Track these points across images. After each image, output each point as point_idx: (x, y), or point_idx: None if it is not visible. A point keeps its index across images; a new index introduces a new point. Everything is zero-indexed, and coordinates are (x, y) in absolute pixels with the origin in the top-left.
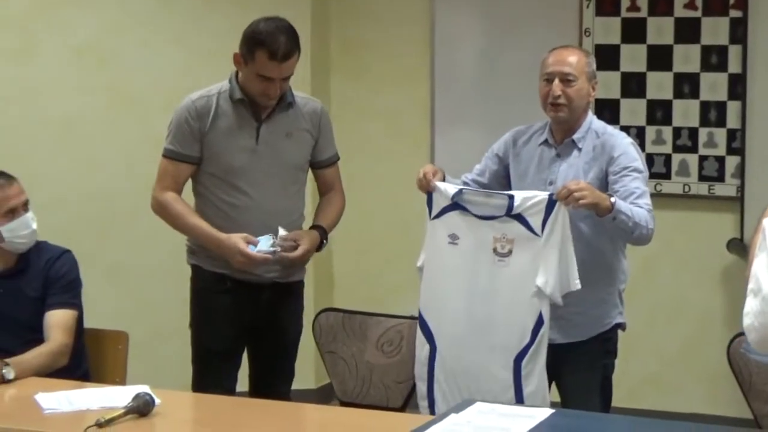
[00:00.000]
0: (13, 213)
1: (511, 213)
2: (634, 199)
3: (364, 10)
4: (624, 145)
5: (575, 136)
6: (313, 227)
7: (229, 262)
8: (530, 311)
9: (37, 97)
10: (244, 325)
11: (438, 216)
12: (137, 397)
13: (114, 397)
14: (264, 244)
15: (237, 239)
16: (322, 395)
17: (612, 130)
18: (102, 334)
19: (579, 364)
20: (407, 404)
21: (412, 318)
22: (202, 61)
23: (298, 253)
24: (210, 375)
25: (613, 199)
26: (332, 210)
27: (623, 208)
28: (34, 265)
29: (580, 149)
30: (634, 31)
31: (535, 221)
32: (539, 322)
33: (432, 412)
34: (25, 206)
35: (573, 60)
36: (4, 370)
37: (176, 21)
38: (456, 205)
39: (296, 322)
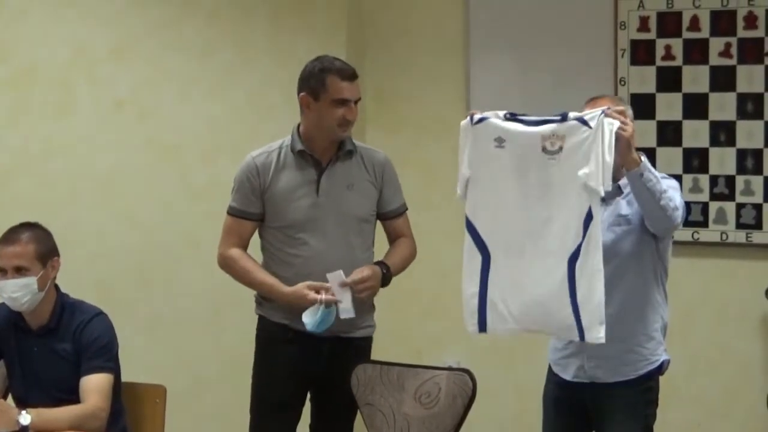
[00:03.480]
0: (4, 273)
1: (566, 120)
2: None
3: (400, 62)
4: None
5: (621, 182)
6: (376, 263)
7: (292, 313)
8: (580, 206)
9: (77, 151)
10: (304, 378)
11: (480, 121)
12: None
13: None
14: (311, 318)
15: (301, 288)
16: None
17: None
18: (140, 389)
19: (621, 412)
20: None
21: (449, 369)
22: (238, 114)
23: (358, 283)
24: (265, 425)
25: (643, 157)
26: (399, 251)
27: (651, 169)
28: (67, 326)
29: (614, 197)
30: (669, 80)
31: (589, 117)
32: (588, 218)
33: (482, 329)
34: (17, 270)
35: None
36: (20, 416)
37: (212, 75)
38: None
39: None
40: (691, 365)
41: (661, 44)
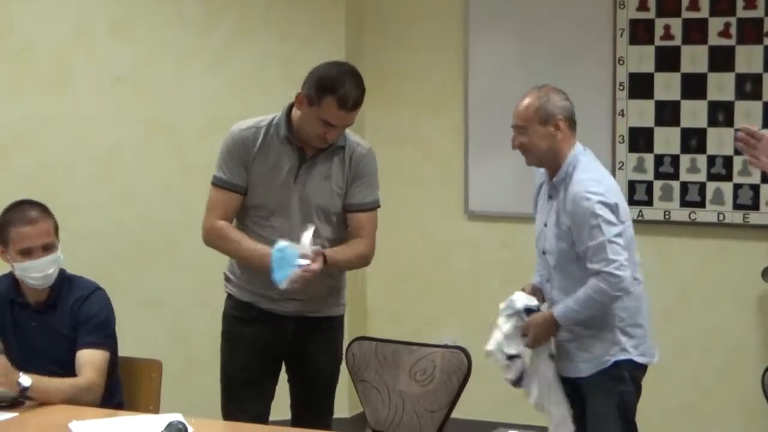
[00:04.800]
0: (29, 253)
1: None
2: (588, 261)
3: (398, 38)
4: (578, 195)
5: (555, 180)
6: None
7: (256, 292)
8: None
9: (75, 128)
10: (270, 356)
11: None
12: (170, 425)
13: (147, 425)
14: (283, 245)
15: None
16: (356, 424)
17: (578, 176)
18: (136, 363)
19: (593, 390)
20: None
21: (444, 347)
22: (238, 90)
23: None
24: (234, 401)
25: (555, 315)
26: (348, 249)
27: (567, 314)
28: (65, 301)
29: (558, 193)
30: (668, 60)
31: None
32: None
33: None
34: (45, 249)
35: (520, 109)
36: (21, 378)
37: (211, 50)
38: None
39: (327, 357)
40: (686, 346)
41: (660, 23)
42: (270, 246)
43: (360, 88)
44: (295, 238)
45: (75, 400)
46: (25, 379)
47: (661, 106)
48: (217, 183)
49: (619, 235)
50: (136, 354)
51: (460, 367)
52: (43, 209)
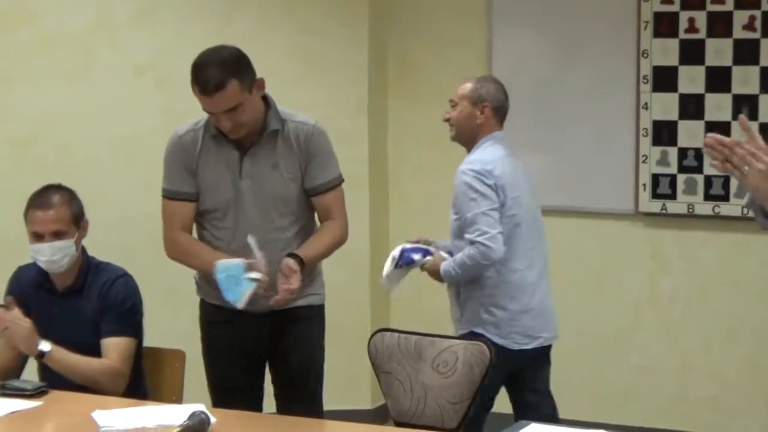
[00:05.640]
0: (40, 237)
1: None
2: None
3: (422, 32)
4: (459, 170)
5: None
6: (288, 255)
7: None
8: None
9: (97, 116)
10: (251, 357)
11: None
12: (193, 415)
13: (170, 415)
14: (225, 264)
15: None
16: (378, 416)
17: (469, 157)
18: (159, 353)
19: None
20: (462, 425)
21: (467, 339)
22: None
23: (280, 297)
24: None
25: (441, 268)
26: (321, 239)
27: (449, 271)
28: (92, 287)
29: None
30: (692, 53)
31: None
32: None
33: None
34: (56, 235)
35: (459, 88)
36: (41, 343)
37: (232, 42)
38: None
39: (303, 349)
40: (708, 339)
41: (684, 16)
42: (224, 250)
43: (221, 68)
44: (255, 236)
45: (95, 382)
46: (45, 345)
47: (685, 99)
48: (166, 194)
49: (494, 209)
50: (158, 344)
51: (483, 359)
52: (66, 197)
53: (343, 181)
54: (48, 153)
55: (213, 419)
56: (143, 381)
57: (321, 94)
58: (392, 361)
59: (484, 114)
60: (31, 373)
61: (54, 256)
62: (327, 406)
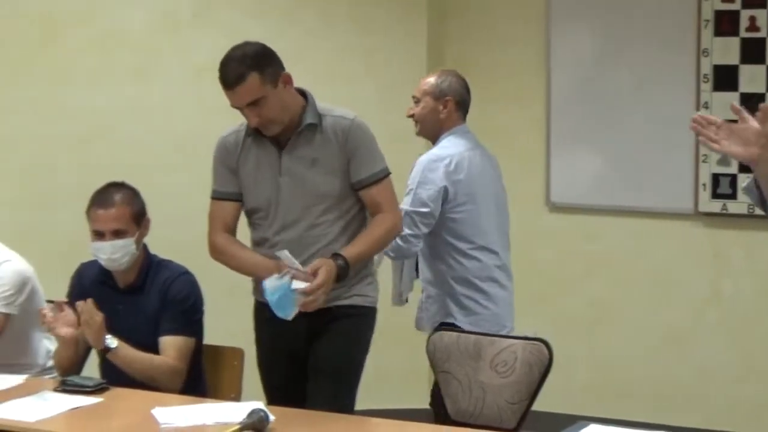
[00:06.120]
0: (101, 235)
1: None
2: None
3: (480, 30)
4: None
5: None
6: (332, 255)
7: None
8: None
9: (158, 115)
10: (293, 357)
11: None
12: (252, 413)
13: (229, 413)
14: (272, 286)
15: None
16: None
17: (430, 150)
18: (219, 351)
19: None
20: (521, 425)
21: (525, 338)
22: (320, 80)
23: (309, 292)
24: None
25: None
26: (367, 234)
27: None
28: (153, 284)
29: None
30: (753, 51)
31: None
32: None
33: None
34: (116, 233)
35: (421, 83)
36: (107, 338)
37: (295, 40)
38: None
39: (334, 342)
40: None
41: (745, 15)
42: (270, 246)
43: (241, 62)
44: (297, 236)
45: (154, 379)
46: (112, 341)
47: (745, 98)
48: (213, 195)
49: (421, 211)
50: (218, 341)
51: (541, 359)
52: (127, 195)
53: (389, 173)
54: (109, 151)
55: (272, 417)
56: (203, 379)
57: (378, 93)
58: (451, 361)
59: (447, 108)
60: (91, 370)
61: (114, 254)
62: (384, 404)
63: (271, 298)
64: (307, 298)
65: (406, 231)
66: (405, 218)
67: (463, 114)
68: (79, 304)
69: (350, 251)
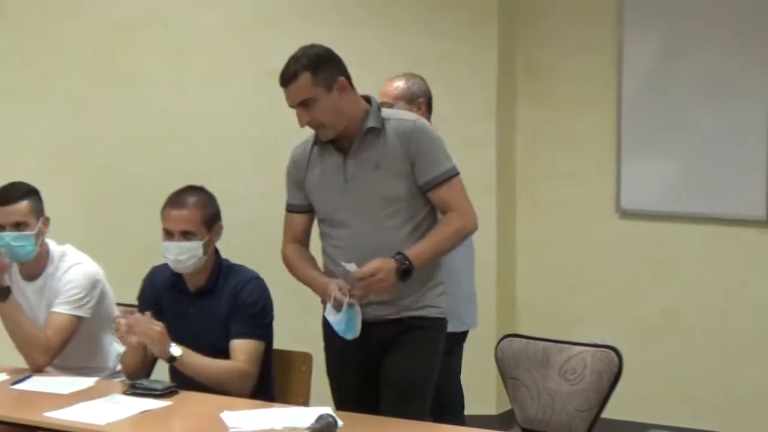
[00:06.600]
0: (170, 235)
1: None
2: None
3: (551, 35)
4: None
5: None
6: (396, 254)
7: None
8: None
9: (229, 119)
10: (362, 364)
11: None
12: (320, 418)
13: (297, 417)
14: (334, 319)
15: (327, 283)
16: (504, 421)
17: None
18: (287, 355)
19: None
20: None
21: (595, 345)
22: None
23: (360, 278)
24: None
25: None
26: (432, 234)
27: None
28: (224, 288)
29: None
30: None
31: None
32: None
33: None
34: (185, 234)
35: (389, 89)
36: (172, 347)
37: (364, 44)
38: None
39: (409, 362)
40: None
41: None
42: (337, 255)
43: (297, 61)
44: (366, 241)
45: (222, 384)
46: (176, 349)
47: None
48: (286, 207)
49: None
50: (287, 346)
51: (611, 367)
52: (201, 199)
53: (457, 173)
54: (183, 154)
55: (340, 422)
56: (272, 383)
57: (448, 98)
58: (519, 367)
59: (421, 110)
60: (160, 374)
61: (180, 255)
62: None
63: (338, 328)
64: (358, 289)
65: None
66: None
67: (430, 112)
68: (137, 316)
69: (412, 249)
